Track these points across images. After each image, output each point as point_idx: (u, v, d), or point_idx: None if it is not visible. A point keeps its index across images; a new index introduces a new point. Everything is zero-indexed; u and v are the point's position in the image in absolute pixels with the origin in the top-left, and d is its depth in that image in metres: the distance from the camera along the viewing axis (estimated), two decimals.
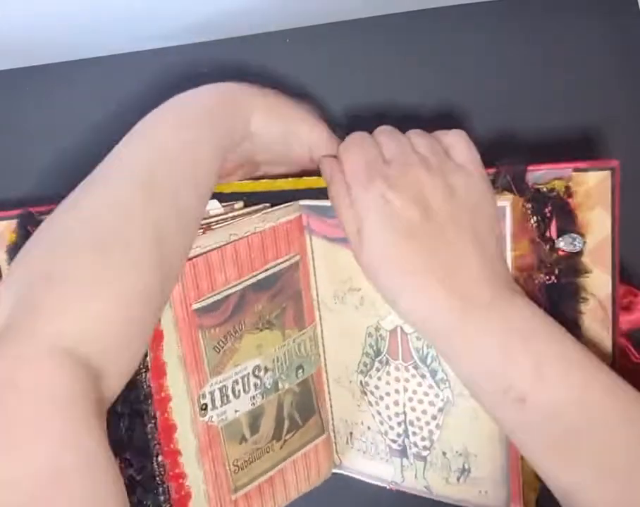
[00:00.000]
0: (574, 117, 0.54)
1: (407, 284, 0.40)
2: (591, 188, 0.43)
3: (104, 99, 0.56)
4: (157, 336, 0.45)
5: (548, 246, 0.43)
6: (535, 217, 0.43)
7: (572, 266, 0.43)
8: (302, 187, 0.49)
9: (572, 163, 0.43)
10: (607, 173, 0.43)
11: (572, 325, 0.43)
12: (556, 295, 0.43)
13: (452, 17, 0.55)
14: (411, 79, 0.55)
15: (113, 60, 0.56)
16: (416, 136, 0.44)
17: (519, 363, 0.38)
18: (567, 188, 0.43)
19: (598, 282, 0.43)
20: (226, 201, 0.50)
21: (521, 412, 0.38)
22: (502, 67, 0.55)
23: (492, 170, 0.44)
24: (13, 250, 0.47)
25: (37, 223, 0.40)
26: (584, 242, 0.43)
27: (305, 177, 0.48)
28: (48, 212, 0.39)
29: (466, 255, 0.40)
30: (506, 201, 0.44)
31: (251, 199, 0.50)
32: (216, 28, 0.54)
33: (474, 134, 0.54)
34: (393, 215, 0.40)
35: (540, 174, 0.44)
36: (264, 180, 0.49)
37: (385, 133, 0.44)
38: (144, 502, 0.44)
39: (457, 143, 0.44)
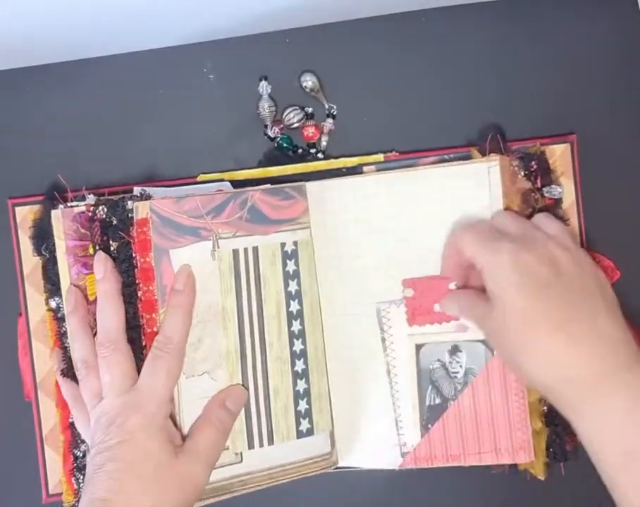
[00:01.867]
0: (573, 116, 0.54)
1: (543, 342, 0.42)
2: (557, 159, 0.52)
3: (104, 99, 0.56)
4: None
5: (538, 195, 0.51)
6: (523, 172, 0.51)
7: (556, 216, 0.51)
8: (309, 171, 0.54)
9: (538, 139, 0.53)
10: (567, 145, 0.53)
11: None
12: None
13: (452, 17, 0.55)
14: (411, 78, 0.55)
15: (113, 60, 0.56)
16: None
17: None
18: (543, 153, 0.52)
19: None
20: (238, 187, 0.51)
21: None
22: (502, 67, 0.55)
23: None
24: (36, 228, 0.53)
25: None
26: (562, 191, 0.52)
27: (312, 163, 0.55)
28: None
29: (600, 317, 0.42)
30: (495, 161, 0.50)
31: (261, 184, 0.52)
32: (216, 28, 0.54)
33: (473, 132, 0.54)
34: (528, 272, 0.43)
35: (515, 149, 0.52)
36: (275, 167, 0.54)
37: (500, 217, 0.49)
38: None
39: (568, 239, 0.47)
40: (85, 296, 0.49)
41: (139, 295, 0.47)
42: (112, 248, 0.48)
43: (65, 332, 0.50)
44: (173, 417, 0.47)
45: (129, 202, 0.48)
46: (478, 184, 0.50)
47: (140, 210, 0.47)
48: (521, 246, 0.44)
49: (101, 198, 0.50)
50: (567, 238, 0.47)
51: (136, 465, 0.43)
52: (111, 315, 0.46)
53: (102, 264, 0.47)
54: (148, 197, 0.49)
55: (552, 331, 0.42)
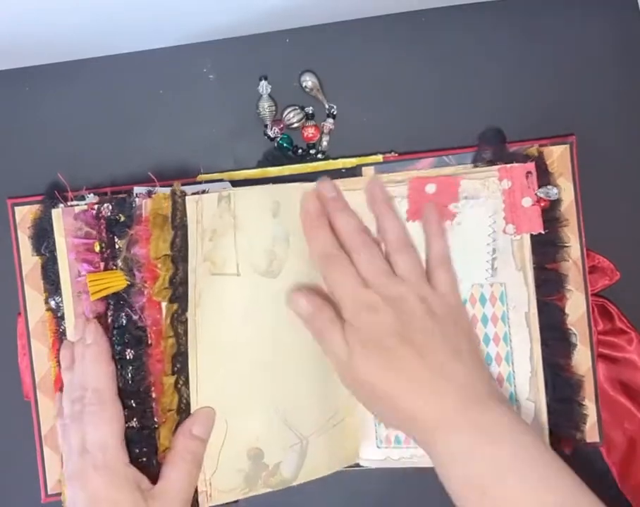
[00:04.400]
0: (572, 117, 0.54)
1: (387, 406, 0.45)
2: (555, 160, 0.52)
3: (104, 99, 0.56)
4: None
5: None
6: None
7: (553, 217, 0.51)
8: (309, 171, 0.54)
9: (537, 140, 0.53)
10: (566, 147, 0.52)
11: (560, 278, 0.51)
12: (543, 243, 0.51)
13: (452, 17, 0.55)
14: (410, 79, 0.55)
15: (113, 60, 0.56)
16: (398, 254, 0.47)
17: (484, 465, 0.41)
18: (540, 153, 0.51)
19: (570, 244, 0.52)
20: (237, 186, 0.51)
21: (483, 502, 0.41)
22: (502, 68, 0.55)
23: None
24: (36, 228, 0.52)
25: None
26: (558, 192, 0.51)
27: (311, 163, 0.55)
28: None
29: (447, 368, 0.44)
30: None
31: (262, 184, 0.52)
32: (216, 28, 0.54)
33: (475, 132, 0.54)
34: (377, 345, 0.44)
35: (514, 150, 0.52)
36: (275, 168, 0.54)
37: (362, 252, 0.47)
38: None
39: (441, 275, 0.48)
40: (85, 292, 0.49)
41: (145, 293, 0.47)
42: (117, 246, 0.48)
43: (64, 331, 0.50)
44: None
45: (136, 199, 0.48)
46: None
47: (151, 207, 0.47)
48: (374, 312, 0.45)
49: (106, 196, 0.49)
50: (421, 278, 0.47)
51: None
52: (101, 377, 0.47)
53: (92, 332, 0.47)
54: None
55: (397, 399, 0.44)
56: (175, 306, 0.47)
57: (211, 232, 0.47)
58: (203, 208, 0.47)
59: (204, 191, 0.48)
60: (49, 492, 0.54)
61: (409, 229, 0.50)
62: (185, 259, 0.47)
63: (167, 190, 0.48)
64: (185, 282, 0.47)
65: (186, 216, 0.47)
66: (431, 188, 0.51)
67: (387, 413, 0.45)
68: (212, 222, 0.47)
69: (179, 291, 0.47)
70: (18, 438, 0.55)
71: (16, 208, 0.54)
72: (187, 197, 0.47)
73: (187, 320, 0.47)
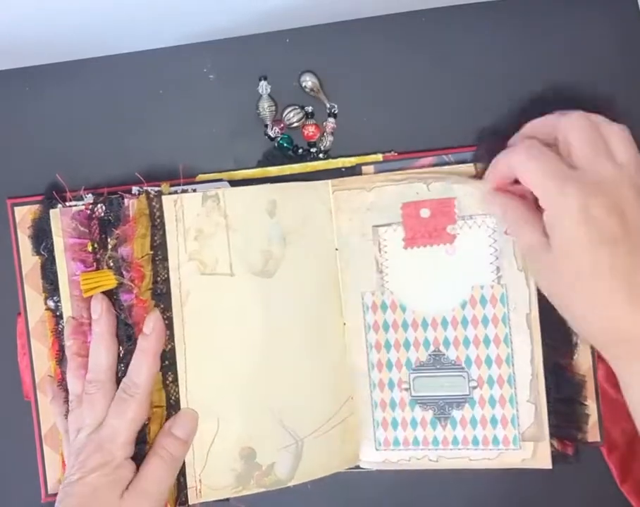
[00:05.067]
0: None
1: (603, 299, 0.40)
2: None
3: (104, 99, 0.56)
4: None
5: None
6: None
7: None
8: (308, 171, 0.54)
9: None
10: None
11: None
12: None
13: (452, 17, 0.55)
14: (410, 79, 0.55)
15: (113, 60, 0.56)
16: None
17: None
18: None
19: None
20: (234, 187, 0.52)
21: None
22: (501, 68, 0.55)
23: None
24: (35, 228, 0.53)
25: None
26: None
27: (311, 163, 0.54)
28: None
29: None
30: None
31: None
32: (216, 28, 0.54)
33: (474, 132, 0.54)
34: (596, 225, 0.40)
35: None
36: (275, 167, 0.54)
37: (568, 131, 0.43)
38: None
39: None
40: (80, 291, 0.49)
41: (135, 293, 0.47)
42: (110, 246, 0.48)
43: (63, 330, 0.50)
44: None
45: (125, 199, 0.48)
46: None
47: (136, 207, 0.48)
48: (590, 188, 0.40)
49: (101, 196, 0.50)
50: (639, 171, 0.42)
51: (86, 503, 0.44)
52: (104, 355, 0.47)
53: (99, 304, 0.48)
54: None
55: (614, 288, 0.39)
56: (155, 304, 0.48)
57: (196, 232, 0.48)
58: (184, 207, 0.48)
59: (184, 191, 0.49)
60: (49, 492, 0.54)
61: (408, 257, 0.51)
62: (167, 258, 0.48)
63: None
64: (167, 281, 0.47)
65: (164, 216, 0.47)
66: (425, 212, 0.51)
67: (592, 323, 0.42)
68: (196, 222, 0.48)
69: (161, 290, 0.48)
70: (18, 438, 0.55)
71: (16, 208, 0.54)
72: (164, 197, 0.47)
73: (170, 318, 0.48)
